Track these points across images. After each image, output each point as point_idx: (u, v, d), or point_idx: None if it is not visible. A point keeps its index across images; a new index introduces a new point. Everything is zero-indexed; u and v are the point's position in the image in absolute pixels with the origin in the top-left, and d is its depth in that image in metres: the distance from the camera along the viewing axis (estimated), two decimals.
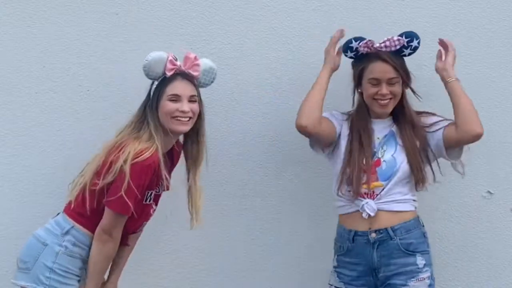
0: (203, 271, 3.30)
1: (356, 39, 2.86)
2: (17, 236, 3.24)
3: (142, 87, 3.19)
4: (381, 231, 2.82)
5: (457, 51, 3.24)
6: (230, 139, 3.27)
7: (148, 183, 2.66)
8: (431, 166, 2.91)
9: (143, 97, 3.21)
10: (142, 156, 2.61)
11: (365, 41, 2.84)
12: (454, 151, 2.89)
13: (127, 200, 2.60)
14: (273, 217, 3.31)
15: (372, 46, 2.83)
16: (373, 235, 2.83)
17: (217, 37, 3.24)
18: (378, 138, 2.91)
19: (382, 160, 2.86)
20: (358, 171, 2.84)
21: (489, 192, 3.31)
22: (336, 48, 2.94)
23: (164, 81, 2.75)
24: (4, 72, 3.19)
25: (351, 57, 2.92)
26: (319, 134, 2.90)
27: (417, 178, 2.85)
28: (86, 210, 2.69)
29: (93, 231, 2.72)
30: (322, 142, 2.96)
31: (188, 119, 2.74)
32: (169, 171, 2.80)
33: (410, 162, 2.84)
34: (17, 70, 3.19)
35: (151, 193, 2.76)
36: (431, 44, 3.23)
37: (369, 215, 2.83)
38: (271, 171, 3.29)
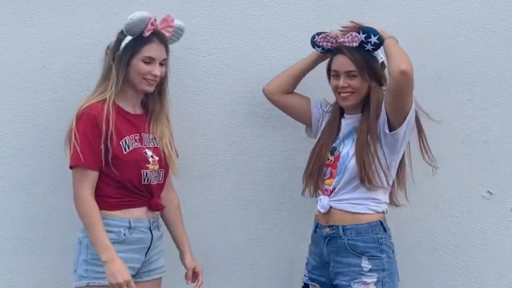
0: (203, 271, 3.29)
1: (318, 33, 2.88)
2: (17, 236, 3.25)
3: None
4: (334, 228, 2.83)
5: (457, 51, 3.25)
6: (230, 139, 3.27)
7: (97, 130, 2.72)
8: (383, 169, 2.81)
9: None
10: (86, 106, 2.76)
11: (321, 36, 2.86)
12: (396, 118, 2.77)
13: (78, 151, 2.70)
14: (273, 217, 3.31)
15: (334, 40, 2.84)
16: (327, 229, 2.85)
17: (217, 37, 3.24)
18: (343, 133, 2.92)
19: (341, 155, 2.86)
20: (314, 166, 2.89)
21: (489, 192, 3.31)
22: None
23: (140, 41, 2.80)
24: (4, 72, 3.19)
25: (321, 52, 2.93)
26: (284, 105, 3.07)
27: (361, 175, 2.79)
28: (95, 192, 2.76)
29: (108, 208, 2.75)
30: (295, 117, 3.10)
31: (155, 82, 2.84)
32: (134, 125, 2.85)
33: (357, 157, 2.80)
34: (17, 70, 3.19)
35: (125, 140, 2.78)
36: (431, 44, 3.24)
37: (320, 211, 2.87)
38: (271, 171, 3.29)
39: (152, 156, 2.83)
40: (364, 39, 2.79)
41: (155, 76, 2.81)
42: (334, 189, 2.85)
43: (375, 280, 2.76)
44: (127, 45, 2.81)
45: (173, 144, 2.93)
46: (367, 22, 3.15)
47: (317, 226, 2.93)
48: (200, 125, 3.25)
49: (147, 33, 2.79)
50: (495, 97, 3.28)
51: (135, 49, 2.80)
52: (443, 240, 3.32)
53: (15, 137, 3.20)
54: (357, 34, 2.79)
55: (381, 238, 2.82)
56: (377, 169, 2.80)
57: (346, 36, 2.82)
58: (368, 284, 2.76)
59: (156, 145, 2.87)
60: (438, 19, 3.25)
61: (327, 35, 2.86)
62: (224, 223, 3.30)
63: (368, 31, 2.79)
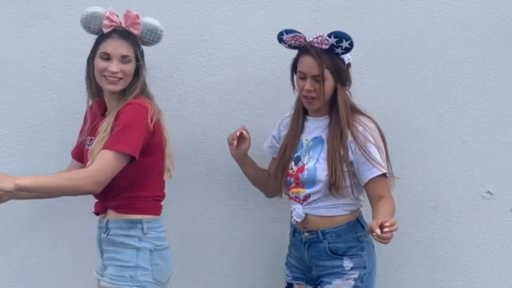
0: (203, 271, 3.30)
1: (287, 31, 2.82)
2: (17, 236, 3.24)
3: None
4: (312, 232, 2.83)
5: (457, 51, 3.25)
6: None
7: (83, 127, 2.88)
8: (351, 179, 2.78)
9: None
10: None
11: (292, 35, 2.80)
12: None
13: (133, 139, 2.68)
14: (273, 217, 3.31)
15: (303, 40, 2.79)
16: (306, 234, 2.85)
17: (217, 37, 3.24)
18: (306, 139, 2.88)
19: (305, 167, 2.82)
20: (278, 170, 2.88)
21: (489, 192, 3.31)
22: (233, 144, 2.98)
23: (100, 38, 2.77)
24: (4, 72, 3.19)
25: (288, 47, 2.87)
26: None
27: (330, 183, 2.75)
28: None
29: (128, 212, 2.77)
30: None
31: (118, 79, 2.73)
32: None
33: (329, 171, 2.75)
34: (17, 70, 3.19)
35: (91, 139, 2.78)
36: (431, 44, 3.24)
37: (296, 221, 2.87)
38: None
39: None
40: (335, 43, 2.73)
41: (112, 72, 2.71)
42: (306, 198, 2.83)
43: (355, 276, 2.78)
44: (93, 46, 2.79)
45: (98, 148, 2.69)
46: (367, 22, 3.16)
47: (295, 231, 2.91)
48: (200, 125, 3.25)
49: (105, 30, 2.74)
50: (495, 97, 3.28)
51: (95, 47, 2.78)
52: (443, 240, 3.32)
53: (15, 137, 3.20)
54: (327, 38, 2.72)
55: (361, 236, 2.82)
56: (345, 179, 2.76)
57: (315, 37, 2.75)
58: (348, 280, 2.77)
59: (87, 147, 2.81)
60: (438, 19, 3.25)
61: (296, 34, 2.79)
62: (224, 223, 3.30)
63: (340, 36, 2.72)
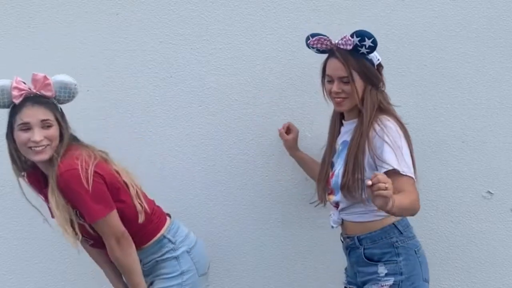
0: None
1: (313, 35, 2.80)
2: (17, 236, 3.25)
3: (142, 87, 3.21)
4: (352, 239, 2.81)
5: (457, 51, 3.25)
6: (230, 139, 3.27)
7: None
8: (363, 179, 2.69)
9: (143, 96, 3.24)
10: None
11: (316, 38, 2.78)
12: None
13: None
14: (274, 217, 3.31)
15: (328, 43, 2.76)
16: (348, 240, 2.83)
17: (217, 37, 3.24)
18: (338, 144, 2.86)
19: (334, 173, 2.80)
20: (319, 181, 2.89)
21: (489, 192, 3.31)
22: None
23: (14, 109, 2.62)
24: (4, 72, 3.18)
25: (317, 52, 2.85)
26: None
27: (341, 184, 2.70)
28: None
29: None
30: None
31: (44, 146, 2.60)
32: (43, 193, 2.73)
33: (342, 173, 2.71)
34: (17, 70, 3.19)
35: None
36: (431, 44, 3.24)
37: (332, 227, 2.87)
38: (271, 171, 3.29)
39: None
40: (358, 43, 2.69)
41: (36, 142, 2.56)
42: (337, 205, 2.82)
43: (391, 283, 2.71)
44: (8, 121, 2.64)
45: (67, 225, 2.62)
46: (367, 22, 3.16)
47: (341, 237, 2.90)
48: (200, 125, 3.25)
49: (16, 100, 2.60)
50: (495, 97, 3.28)
51: (10, 120, 2.62)
52: (443, 240, 3.32)
53: None
54: (350, 37, 2.70)
55: (397, 241, 2.74)
56: (358, 186, 2.69)
57: (340, 38, 2.73)
58: (383, 287, 2.71)
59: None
60: (439, 19, 3.25)
61: (321, 37, 2.77)
62: (225, 224, 3.30)
63: (361, 35, 2.69)
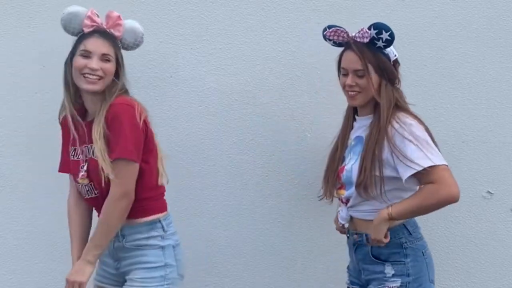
0: (203, 271, 3.30)
1: (329, 26, 2.75)
2: (17, 236, 3.24)
3: (142, 87, 3.21)
4: (360, 235, 2.75)
5: (457, 51, 3.25)
6: (230, 139, 3.27)
7: (64, 138, 2.77)
8: (382, 180, 2.64)
9: (144, 97, 3.22)
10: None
11: (333, 29, 2.73)
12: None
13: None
14: (273, 217, 3.31)
15: (345, 35, 2.71)
16: (355, 236, 2.77)
17: (217, 37, 3.24)
18: (350, 139, 2.80)
19: (345, 168, 2.75)
20: (329, 170, 2.82)
21: (489, 192, 3.31)
22: None
23: (80, 38, 2.68)
24: (4, 72, 3.19)
25: (333, 45, 2.80)
26: None
27: (358, 182, 2.64)
28: None
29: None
30: None
31: (98, 77, 2.63)
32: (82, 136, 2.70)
33: (358, 170, 2.65)
34: (17, 70, 3.19)
35: (74, 149, 2.73)
36: (431, 44, 3.24)
37: (342, 224, 2.83)
38: (271, 171, 3.29)
39: (82, 168, 2.70)
40: (375, 35, 2.64)
41: (92, 69, 2.61)
42: (347, 201, 2.77)
43: (398, 284, 2.66)
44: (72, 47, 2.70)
45: (105, 155, 2.59)
46: (367, 22, 3.15)
47: (348, 232, 2.84)
48: (200, 125, 3.25)
49: (86, 29, 2.66)
50: (495, 97, 3.28)
51: (74, 46, 2.69)
52: (443, 240, 3.32)
53: (15, 137, 3.20)
54: (367, 30, 2.64)
55: (405, 242, 2.70)
56: (376, 183, 2.63)
57: (357, 31, 2.67)
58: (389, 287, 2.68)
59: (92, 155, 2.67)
60: (439, 19, 3.25)
61: (338, 29, 2.72)
62: (224, 224, 3.30)
63: (379, 27, 2.64)
